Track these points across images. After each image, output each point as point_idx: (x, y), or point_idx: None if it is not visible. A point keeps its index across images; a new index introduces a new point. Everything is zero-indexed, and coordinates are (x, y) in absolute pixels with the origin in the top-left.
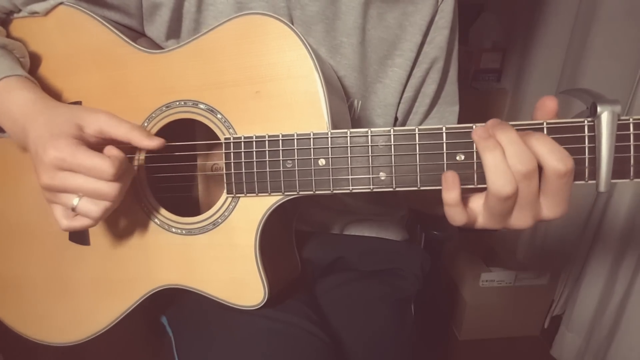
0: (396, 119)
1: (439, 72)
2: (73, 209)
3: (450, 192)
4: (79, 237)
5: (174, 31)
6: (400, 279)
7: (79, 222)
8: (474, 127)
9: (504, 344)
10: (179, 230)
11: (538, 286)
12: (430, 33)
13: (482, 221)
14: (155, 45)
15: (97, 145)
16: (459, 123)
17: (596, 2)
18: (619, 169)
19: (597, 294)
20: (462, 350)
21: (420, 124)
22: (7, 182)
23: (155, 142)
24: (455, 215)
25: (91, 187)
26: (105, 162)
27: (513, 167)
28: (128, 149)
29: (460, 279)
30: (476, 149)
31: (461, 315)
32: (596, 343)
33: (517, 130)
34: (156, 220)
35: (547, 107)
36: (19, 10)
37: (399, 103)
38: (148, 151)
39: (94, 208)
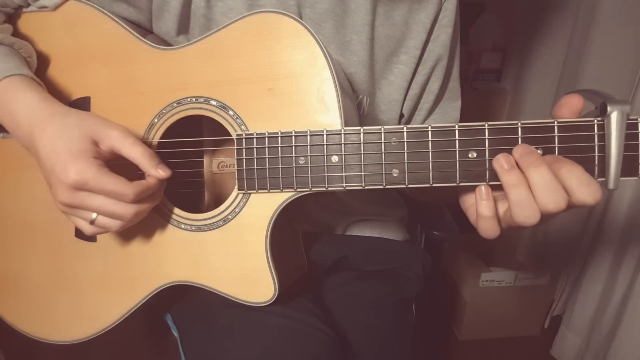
0: (402, 115)
1: (443, 69)
2: (91, 222)
3: (484, 202)
4: None
5: (184, 27)
6: (402, 279)
7: (100, 229)
8: (485, 125)
9: (504, 344)
10: (189, 227)
11: (538, 286)
12: (435, 31)
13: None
14: (164, 43)
15: (111, 160)
16: (460, 122)
17: (596, 3)
18: (628, 167)
19: (597, 294)
20: (462, 350)
21: (425, 120)
22: (11, 179)
23: (163, 173)
24: (490, 228)
25: (109, 209)
26: (127, 187)
27: (543, 206)
28: None
29: (460, 279)
30: (499, 178)
31: (461, 315)
32: (596, 343)
33: (529, 128)
34: (165, 216)
35: (573, 105)
36: (28, 5)
37: (404, 100)
38: (158, 147)
39: (112, 224)
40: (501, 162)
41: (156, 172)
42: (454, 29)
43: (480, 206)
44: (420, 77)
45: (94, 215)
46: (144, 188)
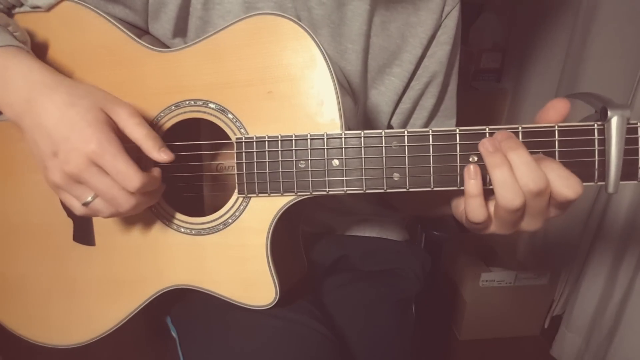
0: (390, 128)
1: (438, 86)
2: (85, 204)
3: (472, 180)
4: (84, 237)
5: (181, 29)
6: (401, 279)
7: (91, 212)
8: (486, 129)
9: (504, 344)
10: (189, 231)
11: (538, 286)
12: (432, 47)
13: (494, 228)
14: (159, 44)
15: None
16: (468, 125)
17: (597, 2)
18: (627, 171)
19: (597, 294)
20: (462, 350)
21: None
22: (8, 180)
23: (164, 157)
24: (477, 208)
25: (112, 193)
26: (137, 174)
27: (525, 187)
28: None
29: (460, 279)
30: (484, 161)
31: (461, 315)
32: (596, 343)
33: (530, 132)
34: (164, 220)
35: (560, 109)
36: (21, 5)
37: (393, 113)
38: None
39: (105, 210)
40: (486, 145)
41: (159, 154)
42: (453, 45)
43: (467, 184)
44: (413, 92)
45: (89, 197)
46: (150, 180)
